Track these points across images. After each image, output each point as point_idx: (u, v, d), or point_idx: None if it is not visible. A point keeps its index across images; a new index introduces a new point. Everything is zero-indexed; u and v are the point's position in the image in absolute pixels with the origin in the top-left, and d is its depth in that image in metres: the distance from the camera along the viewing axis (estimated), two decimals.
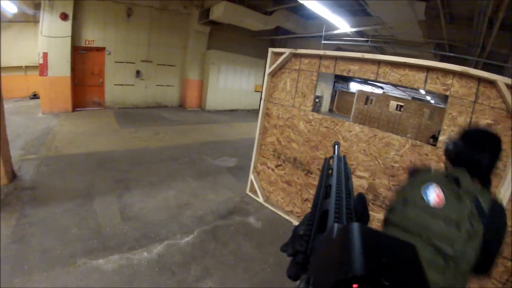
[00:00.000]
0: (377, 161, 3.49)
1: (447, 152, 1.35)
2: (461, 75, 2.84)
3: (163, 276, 2.85)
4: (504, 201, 2.54)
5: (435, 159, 3.05)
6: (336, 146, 0.98)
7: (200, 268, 3.02)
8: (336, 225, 0.41)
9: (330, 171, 0.76)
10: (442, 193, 1.17)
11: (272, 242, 3.65)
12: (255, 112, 12.58)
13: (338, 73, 3.87)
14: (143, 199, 4.29)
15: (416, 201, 1.22)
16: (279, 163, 4.51)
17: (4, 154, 4.16)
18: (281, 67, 4.36)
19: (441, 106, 15.26)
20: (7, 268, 2.62)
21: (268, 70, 4.45)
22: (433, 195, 1.19)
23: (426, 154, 3.12)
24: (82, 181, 4.57)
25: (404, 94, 22.63)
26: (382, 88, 23.95)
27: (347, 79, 24.01)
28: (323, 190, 0.65)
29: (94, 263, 2.88)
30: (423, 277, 0.33)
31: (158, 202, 4.28)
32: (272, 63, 4.41)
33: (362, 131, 3.60)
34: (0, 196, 3.79)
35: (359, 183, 3.63)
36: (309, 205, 4.11)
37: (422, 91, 19.23)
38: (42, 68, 8.47)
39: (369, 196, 3.57)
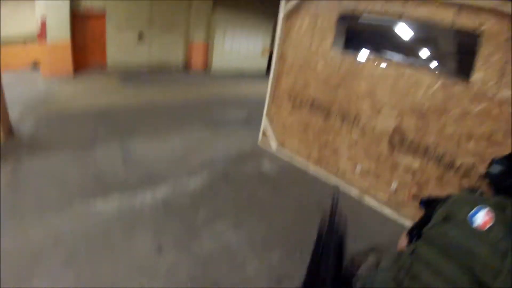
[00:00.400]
0: (404, 101, 3.17)
1: (491, 176, 1.22)
2: (495, 11, 2.55)
3: (168, 219, 2.59)
4: None
5: (468, 99, 2.77)
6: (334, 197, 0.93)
7: (211, 210, 2.77)
8: None
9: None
10: (493, 219, 1.02)
11: (288, 187, 3.38)
12: (262, 75, 12.09)
13: (359, 14, 3.52)
14: (148, 146, 4.02)
15: (461, 220, 1.06)
16: (295, 106, 4.18)
17: (2, 111, 3.91)
18: (297, 7, 3.97)
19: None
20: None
21: (282, 11, 4.07)
22: (482, 218, 1.03)
23: (459, 94, 2.82)
24: (84, 133, 4.29)
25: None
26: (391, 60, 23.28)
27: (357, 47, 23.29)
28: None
29: (91, 206, 2.65)
30: None
31: (164, 148, 4.01)
32: (287, 2, 4.02)
33: (388, 69, 3.25)
34: None
35: (385, 125, 3.32)
36: (327, 152, 3.82)
37: (433, 63, 18.65)
38: (41, 34, 8.15)
39: (395, 139, 3.27)
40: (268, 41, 12.93)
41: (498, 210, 1.03)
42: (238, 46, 12.40)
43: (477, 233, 1.01)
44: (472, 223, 1.03)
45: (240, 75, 12.29)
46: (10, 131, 4.17)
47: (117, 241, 2.31)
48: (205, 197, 2.98)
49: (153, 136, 4.36)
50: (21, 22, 9.13)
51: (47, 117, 4.86)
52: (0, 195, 2.67)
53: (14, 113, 4.78)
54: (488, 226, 1.00)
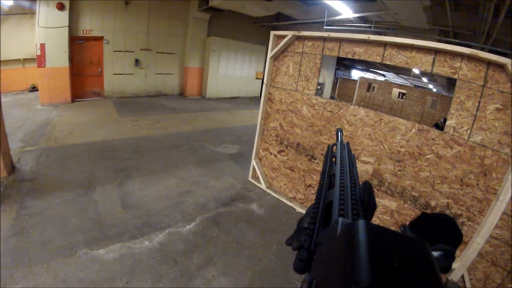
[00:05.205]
0: (382, 146, 3.37)
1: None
2: (470, 58, 2.71)
3: (165, 265, 2.79)
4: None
5: (442, 144, 2.94)
6: (339, 132, 0.92)
7: (203, 256, 2.97)
8: (340, 220, 0.38)
9: (333, 159, 0.71)
10: None
11: (275, 229, 3.58)
12: (257, 99, 12.45)
13: (343, 55, 3.69)
14: (144, 187, 4.23)
15: None
16: (282, 148, 4.42)
17: (3, 146, 4.09)
18: (283, 50, 4.20)
19: (444, 94, 15.01)
20: (8, 261, 2.57)
21: (270, 54, 4.29)
22: None
23: (433, 139, 3.01)
24: (82, 171, 4.50)
25: (406, 82, 22.24)
26: (384, 76, 23.61)
27: (348, 67, 23.65)
28: (327, 180, 0.61)
29: (95, 253, 2.83)
30: (437, 276, 0.30)
31: (159, 190, 4.22)
32: (274, 47, 4.25)
33: (368, 115, 3.47)
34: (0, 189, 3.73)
35: (364, 169, 3.52)
36: (312, 191, 4.05)
37: (424, 79, 18.95)
38: (40, 60, 8.35)
39: (374, 182, 3.48)
40: (261, 65, 13.22)
41: None
42: (232, 70, 12.66)
43: None
44: None
45: (235, 99, 12.54)
46: (11, 165, 4.36)
47: None
48: (198, 242, 3.19)
49: (149, 177, 4.58)
50: (20, 43, 9.34)
51: (47, 151, 5.06)
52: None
53: (14, 144, 5.00)
54: None
